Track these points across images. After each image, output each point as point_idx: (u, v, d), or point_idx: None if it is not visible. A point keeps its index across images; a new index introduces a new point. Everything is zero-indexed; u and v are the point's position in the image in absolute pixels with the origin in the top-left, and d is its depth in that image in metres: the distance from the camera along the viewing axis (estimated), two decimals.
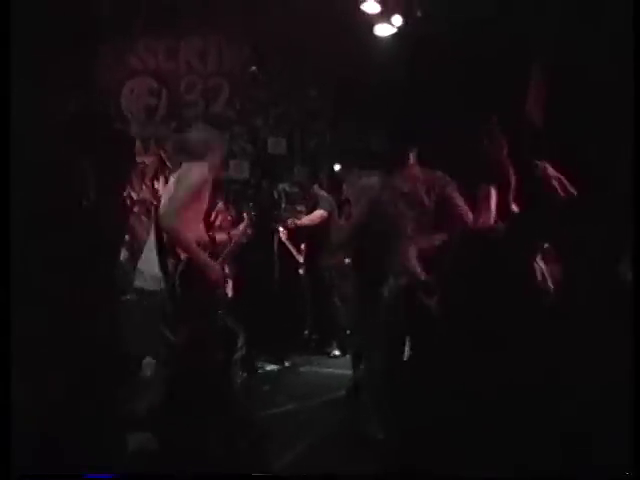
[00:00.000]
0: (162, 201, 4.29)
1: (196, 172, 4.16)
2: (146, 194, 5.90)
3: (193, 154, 4.34)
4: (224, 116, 9.14)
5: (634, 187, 2.55)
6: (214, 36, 8.99)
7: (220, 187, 7.31)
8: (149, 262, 4.42)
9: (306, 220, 7.79)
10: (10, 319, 2.62)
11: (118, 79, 8.66)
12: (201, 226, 4.28)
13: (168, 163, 6.22)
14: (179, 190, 4.09)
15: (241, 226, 5.13)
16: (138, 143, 7.56)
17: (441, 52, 7.74)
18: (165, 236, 4.11)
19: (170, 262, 4.11)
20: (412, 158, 5.08)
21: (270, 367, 6.92)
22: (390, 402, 4.25)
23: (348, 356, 7.22)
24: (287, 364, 7.09)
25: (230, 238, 4.83)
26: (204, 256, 4.12)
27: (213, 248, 4.31)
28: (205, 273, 4.10)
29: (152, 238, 4.37)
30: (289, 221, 7.84)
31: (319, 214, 7.67)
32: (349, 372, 5.79)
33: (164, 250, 4.15)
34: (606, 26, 5.38)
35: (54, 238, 2.90)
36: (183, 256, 4.06)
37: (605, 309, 2.57)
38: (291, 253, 8.21)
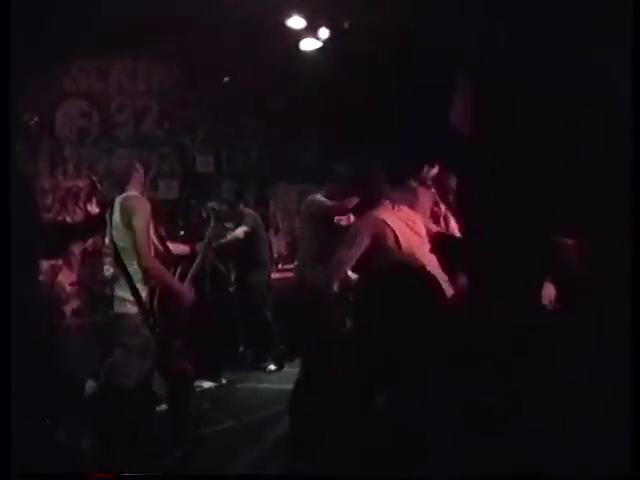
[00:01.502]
0: (114, 234, 4.41)
1: (140, 207, 4.38)
2: (80, 217, 5.87)
3: (117, 182, 4.65)
4: (153, 135, 9.15)
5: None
6: (144, 56, 9.00)
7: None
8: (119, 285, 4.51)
9: (230, 238, 7.85)
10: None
11: (52, 102, 8.62)
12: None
13: (99, 186, 6.20)
14: (137, 231, 4.28)
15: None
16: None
17: (368, 65, 7.93)
18: (142, 273, 4.31)
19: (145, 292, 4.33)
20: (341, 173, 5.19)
21: (207, 384, 6.93)
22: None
23: (284, 370, 7.40)
24: (224, 381, 7.13)
25: (192, 251, 4.95)
26: (177, 284, 4.43)
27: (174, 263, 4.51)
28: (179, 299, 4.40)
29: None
30: (213, 242, 7.86)
31: (242, 231, 7.75)
32: (287, 386, 5.86)
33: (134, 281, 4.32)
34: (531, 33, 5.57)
35: None
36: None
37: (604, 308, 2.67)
38: (221, 271, 8.24)
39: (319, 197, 6.25)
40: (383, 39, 7.44)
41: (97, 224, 6.27)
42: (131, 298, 4.31)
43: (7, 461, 2.36)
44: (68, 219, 5.67)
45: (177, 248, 4.93)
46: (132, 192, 4.53)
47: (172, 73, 9.23)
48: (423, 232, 4.67)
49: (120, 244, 4.36)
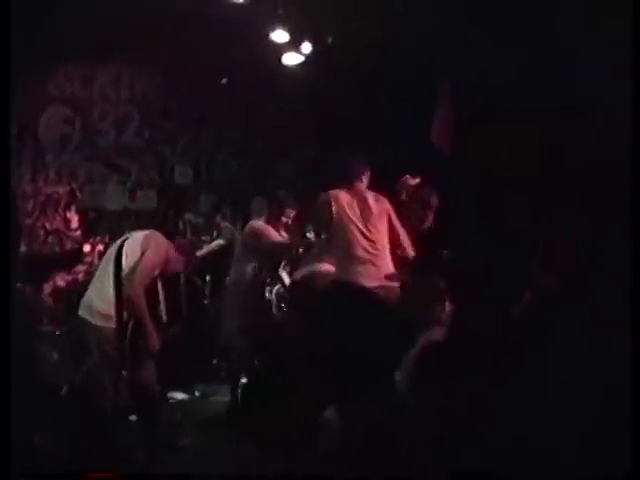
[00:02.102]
0: (126, 259, 4.48)
1: (161, 249, 4.61)
2: (59, 224, 5.84)
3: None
4: (133, 145, 9.13)
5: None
6: (128, 63, 8.99)
7: (127, 218, 7.32)
8: (100, 298, 4.54)
9: (205, 251, 7.84)
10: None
11: (36, 107, 8.56)
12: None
13: (79, 194, 6.20)
14: (145, 266, 4.49)
15: None
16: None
17: (351, 78, 7.98)
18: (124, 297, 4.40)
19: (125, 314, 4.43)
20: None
21: (181, 396, 6.89)
22: None
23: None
24: (197, 394, 7.08)
25: None
26: (151, 326, 4.53)
27: None
28: (146, 339, 4.52)
29: (107, 277, 4.51)
30: None
31: (218, 244, 7.74)
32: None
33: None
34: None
35: None
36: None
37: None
38: (196, 284, 8.20)
39: (259, 224, 6.30)
40: (365, 53, 7.50)
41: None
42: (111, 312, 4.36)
43: (7, 461, 2.34)
44: (47, 225, 5.65)
45: None
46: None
47: (155, 82, 9.23)
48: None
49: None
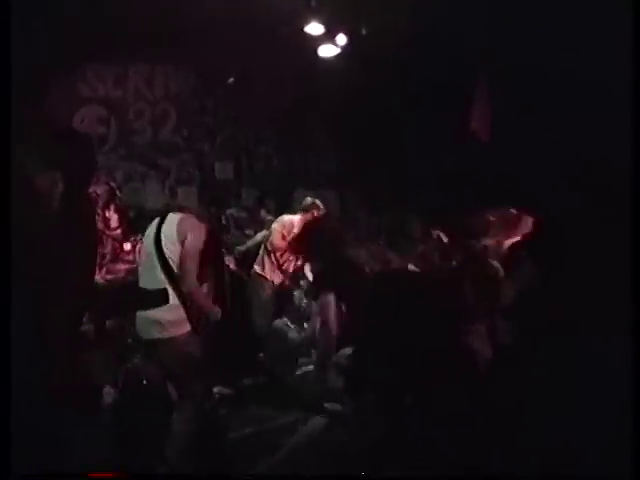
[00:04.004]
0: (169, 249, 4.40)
1: (199, 235, 4.39)
2: (99, 223, 5.89)
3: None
4: (172, 143, 9.19)
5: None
6: (161, 62, 9.04)
7: None
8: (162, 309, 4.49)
9: (250, 244, 7.84)
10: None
11: (69, 108, 8.64)
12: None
13: (118, 193, 6.24)
14: (189, 254, 4.33)
15: None
16: None
17: (388, 70, 7.90)
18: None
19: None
20: None
21: (227, 391, 6.89)
22: None
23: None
24: (243, 387, 7.08)
25: None
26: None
27: None
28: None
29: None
30: (235, 250, 7.85)
31: (262, 236, 7.74)
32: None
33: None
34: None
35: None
36: None
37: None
38: (241, 278, 8.20)
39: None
40: (401, 45, 7.43)
41: None
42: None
43: (7, 461, 2.34)
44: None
45: None
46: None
47: (190, 79, 9.26)
48: None
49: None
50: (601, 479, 1.73)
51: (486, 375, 1.93)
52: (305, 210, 6.83)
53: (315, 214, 6.84)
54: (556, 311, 2.73)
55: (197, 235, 4.36)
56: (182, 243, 4.33)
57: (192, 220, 4.47)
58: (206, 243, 4.40)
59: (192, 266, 4.29)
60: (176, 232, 4.37)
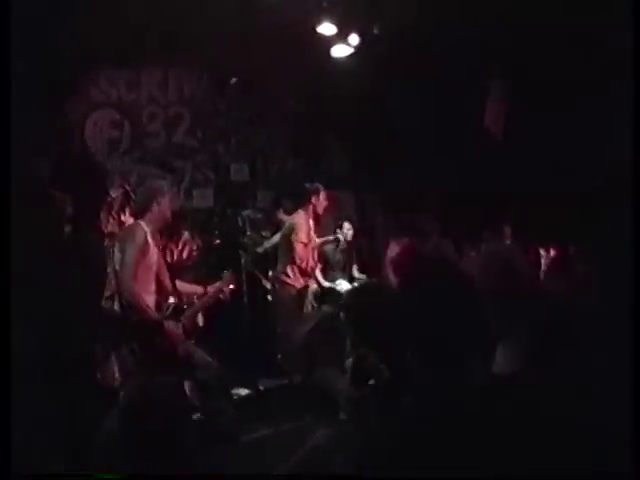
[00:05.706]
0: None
1: (137, 234, 4.59)
2: (114, 227, 5.91)
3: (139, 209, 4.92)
4: (186, 145, 9.20)
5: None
6: (174, 65, 9.06)
7: (184, 217, 7.38)
8: None
9: (267, 245, 7.84)
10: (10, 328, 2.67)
11: (81, 112, 8.71)
12: (153, 285, 4.66)
13: (133, 196, 6.25)
14: (125, 256, 4.50)
15: (218, 283, 5.26)
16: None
17: (401, 70, 7.88)
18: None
19: None
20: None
21: (245, 392, 6.91)
22: None
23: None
24: (262, 388, 7.09)
25: (205, 292, 5.02)
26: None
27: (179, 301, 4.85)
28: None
29: None
30: (249, 250, 7.87)
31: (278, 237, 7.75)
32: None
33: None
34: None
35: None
36: None
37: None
38: (258, 279, 8.21)
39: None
40: (414, 44, 7.41)
41: None
42: None
43: (7, 461, 2.35)
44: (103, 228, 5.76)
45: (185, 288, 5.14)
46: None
47: (203, 82, 9.28)
48: None
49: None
50: (601, 477, 1.70)
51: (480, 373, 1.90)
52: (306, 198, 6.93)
53: (314, 201, 6.93)
54: (556, 311, 2.70)
55: (136, 235, 4.59)
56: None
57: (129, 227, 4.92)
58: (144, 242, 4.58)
59: (127, 265, 4.49)
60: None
